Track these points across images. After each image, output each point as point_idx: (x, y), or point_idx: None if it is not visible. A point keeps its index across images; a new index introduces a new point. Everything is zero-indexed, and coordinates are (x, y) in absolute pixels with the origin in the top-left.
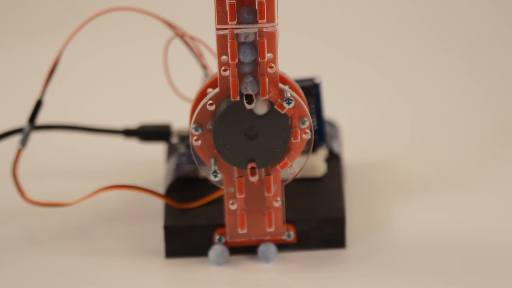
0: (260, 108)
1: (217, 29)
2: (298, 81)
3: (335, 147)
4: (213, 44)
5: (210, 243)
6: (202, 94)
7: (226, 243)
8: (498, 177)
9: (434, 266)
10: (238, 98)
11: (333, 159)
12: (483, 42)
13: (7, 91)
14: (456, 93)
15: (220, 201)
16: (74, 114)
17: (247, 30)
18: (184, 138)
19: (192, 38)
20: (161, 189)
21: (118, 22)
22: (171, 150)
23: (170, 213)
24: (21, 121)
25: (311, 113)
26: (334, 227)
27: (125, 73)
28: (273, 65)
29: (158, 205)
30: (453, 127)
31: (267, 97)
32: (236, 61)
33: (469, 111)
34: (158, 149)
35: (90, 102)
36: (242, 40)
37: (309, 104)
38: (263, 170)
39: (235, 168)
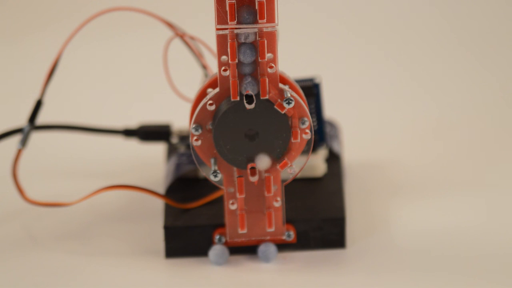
0: (262, 163)
1: (217, 29)
2: (298, 81)
3: (335, 147)
4: (213, 44)
5: (210, 243)
6: (202, 94)
7: (226, 243)
8: (497, 177)
9: (433, 266)
10: (238, 98)
11: (333, 159)
12: (482, 42)
13: (7, 91)
14: (456, 93)
15: (220, 201)
16: (74, 114)
17: (247, 30)
18: (184, 138)
19: (192, 38)
20: (161, 189)
21: (118, 22)
22: (171, 150)
23: (170, 213)
24: (21, 121)
25: (311, 113)
26: (334, 227)
27: (125, 73)
28: (273, 65)
29: (158, 205)
30: (453, 127)
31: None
32: (236, 61)
33: (468, 112)
34: (158, 149)
35: (90, 102)
36: (242, 40)
37: (309, 104)
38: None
39: (235, 168)
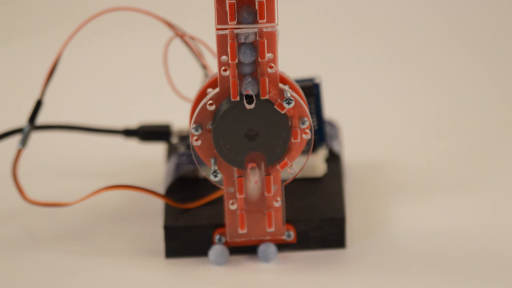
0: (253, 191)
1: (217, 29)
2: (298, 81)
3: (335, 147)
4: (213, 44)
5: (210, 243)
6: (202, 94)
7: (226, 243)
8: (497, 177)
9: (433, 266)
10: (238, 98)
11: (333, 159)
12: (482, 42)
13: (7, 91)
14: (456, 93)
15: (220, 201)
16: (74, 114)
17: (247, 30)
18: (184, 138)
19: (192, 38)
20: (161, 189)
21: (118, 22)
22: (171, 150)
23: (170, 213)
24: (21, 121)
25: (311, 113)
26: (334, 227)
27: (125, 73)
28: (273, 65)
29: (158, 205)
30: (453, 127)
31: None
32: (236, 61)
33: (468, 112)
34: (158, 149)
35: (90, 102)
36: (242, 40)
37: (309, 104)
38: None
39: (235, 168)
